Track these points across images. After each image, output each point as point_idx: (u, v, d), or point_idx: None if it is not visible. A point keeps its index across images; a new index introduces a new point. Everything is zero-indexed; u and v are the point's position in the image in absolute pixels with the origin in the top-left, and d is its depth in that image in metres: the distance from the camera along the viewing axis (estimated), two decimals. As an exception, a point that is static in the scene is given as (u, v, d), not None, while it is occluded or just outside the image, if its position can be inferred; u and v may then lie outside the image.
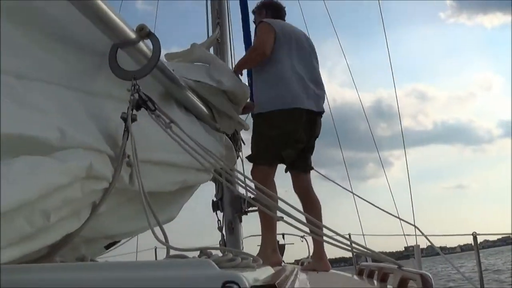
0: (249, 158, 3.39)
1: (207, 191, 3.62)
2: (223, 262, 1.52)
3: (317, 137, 3.49)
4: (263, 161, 3.31)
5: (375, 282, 2.16)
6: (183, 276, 1.17)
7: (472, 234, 3.51)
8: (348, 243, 1.90)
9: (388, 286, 1.98)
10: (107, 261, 1.90)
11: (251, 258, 1.70)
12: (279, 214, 2.00)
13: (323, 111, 3.54)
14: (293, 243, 5.27)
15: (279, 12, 3.79)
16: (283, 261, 3.82)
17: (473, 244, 3.68)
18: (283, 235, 5.03)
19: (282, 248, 5.51)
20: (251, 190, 2.20)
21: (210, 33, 4.36)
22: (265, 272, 1.70)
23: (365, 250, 1.91)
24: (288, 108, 3.30)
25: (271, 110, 3.36)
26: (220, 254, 1.79)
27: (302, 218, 1.98)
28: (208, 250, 1.72)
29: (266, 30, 3.42)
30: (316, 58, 3.66)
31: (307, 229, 2.00)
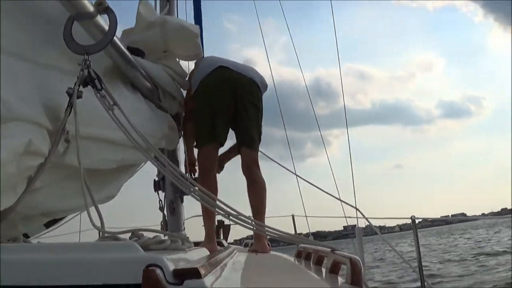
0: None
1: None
2: (152, 245, 1.51)
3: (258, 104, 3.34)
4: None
5: (311, 264, 2.18)
6: (107, 258, 1.17)
7: (411, 218, 3.59)
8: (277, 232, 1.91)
9: (322, 269, 2.00)
10: (34, 243, 1.87)
11: (181, 240, 1.68)
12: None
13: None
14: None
15: None
16: (224, 242, 3.81)
17: (416, 228, 3.76)
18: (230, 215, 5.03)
19: (227, 228, 5.52)
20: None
21: (158, 10, 4.25)
22: (196, 255, 1.69)
23: (298, 239, 1.92)
24: None
25: None
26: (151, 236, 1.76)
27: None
28: (140, 232, 1.70)
29: None
30: None
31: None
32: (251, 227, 2.09)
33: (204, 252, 1.96)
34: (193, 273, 1.08)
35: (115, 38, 2.22)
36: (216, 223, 5.24)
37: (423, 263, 3.59)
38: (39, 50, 1.87)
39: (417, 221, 3.70)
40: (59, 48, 1.95)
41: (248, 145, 3.24)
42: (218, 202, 1.97)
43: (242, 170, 3.24)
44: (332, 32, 5.68)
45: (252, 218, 2.34)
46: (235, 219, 1.86)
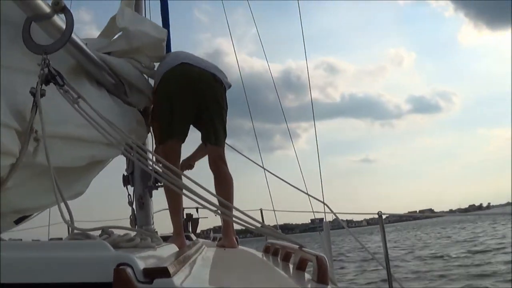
0: None
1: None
2: (122, 242, 1.52)
3: (220, 100, 3.32)
4: None
5: (279, 260, 2.21)
6: (78, 257, 1.18)
7: (378, 214, 3.64)
8: (256, 222, 1.93)
9: (290, 265, 2.04)
10: (6, 240, 1.89)
11: (150, 238, 1.70)
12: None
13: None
14: (207, 217, 5.28)
15: None
16: (193, 236, 3.83)
17: (382, 223, 3.81)
18: (197, 209, 5.02)
19: (195, 222, 5.53)
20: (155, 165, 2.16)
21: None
22: (166, 252, 1.70)
23: (267, 231, 1.96)
24: None
25: None
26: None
27: (208, 194, 1.97)
28: (110, 230, 1.71)
29: None
30: None
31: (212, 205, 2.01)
32: (218, 212, 2.12)
33: (173, 248, 1.98)
34: (163, 272, 1.10)
35: (74, 36, 2.25)
36: (185, 216, 5.26)
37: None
38: (1, 53, 1.89)
39: (384, 216, 3.76)
40: (21, 49, 1.99)
41: (213, 142, 3.24)
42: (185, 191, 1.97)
43: (209, 166, 3.26)
44: (304, 24, 5.70)
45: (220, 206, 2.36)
46: (203, 203, 1.87)
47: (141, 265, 1.12)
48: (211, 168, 3.25)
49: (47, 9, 2.00)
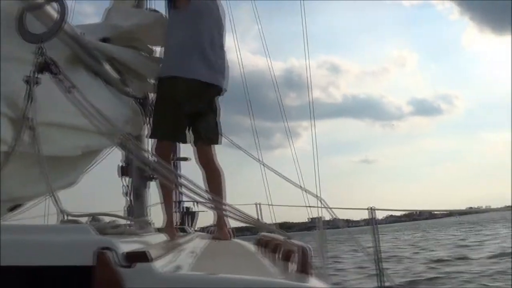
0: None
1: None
2: (107, 229, 1.54)
3: (202, 106, 3.29)
4: None
5: (268, 252, 2.24)
6: (61, 241, 1.20)
7: (367, 209, 3.65)
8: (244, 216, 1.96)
9: (276, 256, 2.06)
10: None
11: (139, 225, 1.73)
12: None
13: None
14: (206, 211, 5.31)
15: None
16: (189, 229, 3.85)
17: (374, 218, 3.81)
18: (194, 202, 5.06)
19: (193, 215, 5.56)
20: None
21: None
22: (153, 240, 1.73)
23: (253, 221, 1.98)
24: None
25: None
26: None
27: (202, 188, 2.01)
28: (100, 216, 1.74)
29: None
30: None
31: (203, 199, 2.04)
32: (208, 203, 2.15)
33: (161, 237, 2.00)
34: (143, 257, 1.12)
35: (69, 25, 2.28)
36: (185, 210, 5.29)
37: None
38: None
39: (377, 212, 3.76)
40: (14, 39, 2.02)
41: (203, 142, 3.32)
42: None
43: (198, 162, 3.34)
44: (308, 23, 5.71)
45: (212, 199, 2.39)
46: (190, 194, 1.90)
47: (123, 249, 1.14)
48: (200, 163, 3.32)
49: None
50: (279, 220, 5.74)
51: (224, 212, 2.02)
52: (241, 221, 2.03)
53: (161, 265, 1.20)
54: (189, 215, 5.64)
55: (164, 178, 1.96)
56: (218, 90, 3.33)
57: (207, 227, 5.52)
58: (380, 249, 3.81)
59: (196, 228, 5.77)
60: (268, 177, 5.09)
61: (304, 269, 1.54)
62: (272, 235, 2.38)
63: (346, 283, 11.61)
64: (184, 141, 3.39)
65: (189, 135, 3.30)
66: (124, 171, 3.61)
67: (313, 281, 1.45)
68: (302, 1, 5.61)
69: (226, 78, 3.40)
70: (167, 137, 3.29)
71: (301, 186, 4.03)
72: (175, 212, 5.51)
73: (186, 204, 5.66)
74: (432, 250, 19.84)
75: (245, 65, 6.13)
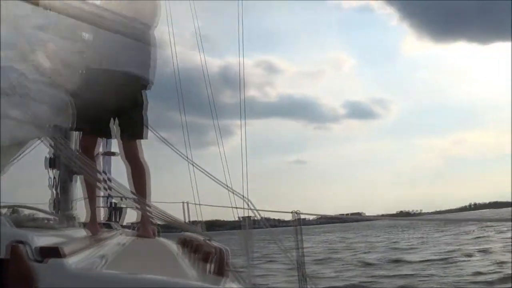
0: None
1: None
2: (25, 222, 1.54)
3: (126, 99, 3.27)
4: None
5: (189, 252, 2.27)
6: None
7: (291, 212, 3.71)
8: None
9: (196, 256, 2.11)
10: None
11: (59, 220, 1.73)
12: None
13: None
14: (134, 207, 5.26)
15: None
16: (115, 225, 3.83)
17: (297, 221, 3.88)
18: (121, 197, 5.00)
19: (121, 210, 5.49)
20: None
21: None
22: (72, 234, 1.73)
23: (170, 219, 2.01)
24: None
25: None
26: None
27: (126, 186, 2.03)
28: (20, 208, 1.72)
29: None
30: None
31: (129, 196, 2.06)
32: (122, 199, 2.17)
33: (81, 232, 2.00)
34: (55, 252, 1.13)
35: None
36: (112, 205, 5.22)
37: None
38: None
39: (302, 216, 3.85)
40: None
41: (126, 136, 3.33)
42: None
43: (124, 157, 3.33)
44: (249, 20, 5.75)
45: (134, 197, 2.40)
46: (109, 191, 1.92)
47: (38, 243, 1.15)
48: (125, 159, 3.32)
49: None
50: (209, 218, 5.76)
51: (146, 211, 2.04)
52: (164, 220, 2.06)
53: (74, 261, 1.21)
54: (117, 211, 5.57)
55: (86, 173, 1.96)
56: (143, 83, 3.32)
57: (134, 223, 5.48)
58: (304, 252, 3.89)
59: (124, 224, 5.72)
60: (198, 175, 5.09)
61: (220, 270, 1.60)
62: (194, 235, 2.42)
63: (274, 284, 11.76)
64: (109, 136, 3.37)
65: (114, 129, 3.29)
66: (51, 163, 3.55)
67: (227, 282, 1.49)
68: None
69: (152, 71, 3.39)
70: (90, 131, 3.24)
71: (227, 186, 4.07)
72: (104, 207, 5.43)
73: (114, 200, 5.61)
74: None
75: (183, 62, 6.10)
